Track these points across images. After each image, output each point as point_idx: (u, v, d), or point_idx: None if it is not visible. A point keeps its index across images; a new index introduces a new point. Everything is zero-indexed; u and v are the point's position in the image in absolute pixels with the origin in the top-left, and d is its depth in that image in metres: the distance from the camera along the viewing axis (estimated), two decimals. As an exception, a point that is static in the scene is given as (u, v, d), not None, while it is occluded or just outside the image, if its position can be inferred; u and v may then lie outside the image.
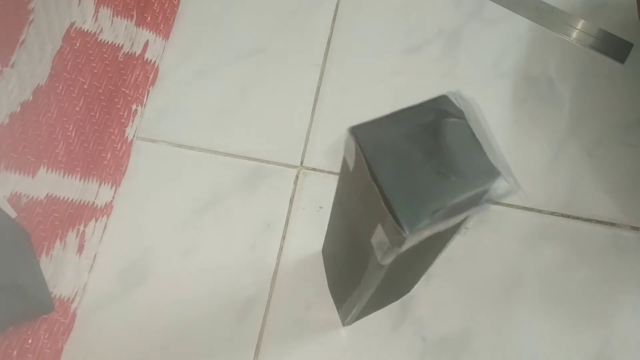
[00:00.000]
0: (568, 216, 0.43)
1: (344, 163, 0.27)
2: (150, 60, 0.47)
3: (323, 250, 0.41)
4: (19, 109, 0.44)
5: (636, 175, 0.44)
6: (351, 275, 0.33)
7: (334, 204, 0.33)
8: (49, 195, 0.42)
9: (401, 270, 0.30)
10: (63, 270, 0.40)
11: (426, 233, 0.23)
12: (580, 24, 0.49)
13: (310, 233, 0.42)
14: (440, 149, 0.24)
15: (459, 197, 0.23)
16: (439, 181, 0.24)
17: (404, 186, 0.24)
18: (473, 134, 0.25)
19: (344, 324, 0.39)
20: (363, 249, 0.28)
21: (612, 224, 0.43)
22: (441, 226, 0.24)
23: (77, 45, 0.46)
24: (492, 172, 0.24)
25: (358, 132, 0.25)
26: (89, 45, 0.46)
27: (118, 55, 0.46)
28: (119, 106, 0.45)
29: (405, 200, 0.23)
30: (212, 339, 0.39)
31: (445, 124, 0.25)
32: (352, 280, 0.32)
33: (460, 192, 0.24)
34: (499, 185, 0.24)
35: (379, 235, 0.25)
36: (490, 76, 0.47)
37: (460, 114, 0.25)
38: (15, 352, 0.37)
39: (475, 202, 0.24)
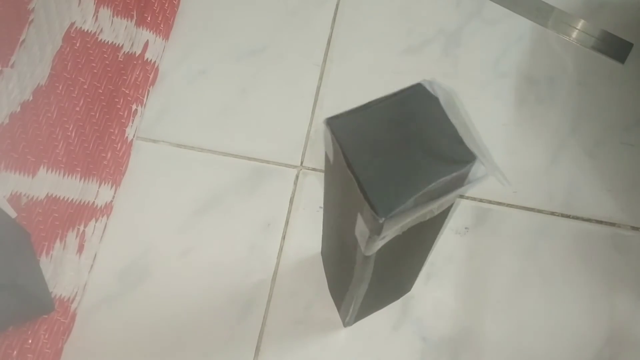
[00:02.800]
0: (568, 216, 0.43)
1: (326, 157, 0.27)
2: (150, 60, 0.47)
3: (322, 252, 0.41)
4: (19, 109, 0.44)
5: (636, 175, 0.44)
6: (344, 271, 0.33)
7: (324, 202, 0.33)
8: (49, 195, 0.42)
9: (392, 262, 0.30)
10: (63, 270, 0.40)
11: (406, 220, 0.24)
12: (580, 24, 0.49)
13: (310, 233, 0.42)
14: (416, 136, 0.25)
15: (435, 182, 0.24)
16: (416, 167, 0.24)
17: (380, 173, 0.24)
18: (449, 121, 0.25)
19: (344, 325, 0.39)
20: (350, 243, 0.28)
21: (612, 224, 0.43)
22: (422, 212, 0.24)
23: (77, 45, 0.46)
24: (468, 156, 0.24)
25: (334, 123, 0.25)
26: (89, 45, 0.46)
27: (118, 55, 0.46)
28: (119, 106, 0.45)
29: (382, 187, 0.23)
30: (212, 339, 0.39)
31: (420, 112, 0.25)
32: (346, 277, 0.32)
33: (436, 177, 0.24)
34: (476, 169, 0.24)
35: (360, 225, 0.25)
36: (490, 76, 0.47)
37: (436, 102, 0.25)
38: (15, 352, 0.37)
39: (453, 186, 0.24)
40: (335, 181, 0.27)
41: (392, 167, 0.24)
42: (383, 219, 0.23)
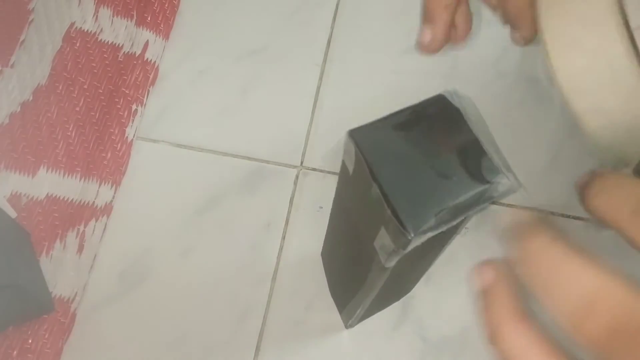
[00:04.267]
0: (568, 216, 0.43)
1: (343, 166, 0.27)
2: (150, 60, 0.47)
3: (322, 254, 0.41)
4: (19, 109, 0.44)
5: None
6: (354, 278, 0.32)
7: (334, 208, 0.33)
8: (49, 195, 0.42)
9: (404, 271, 0.30)
10: (63, 270, 0.40)
11: (432, 234, 0.23)
12: (580, 24, 0.49)
13: (310, 233, 0.42)
14: (440, 149, 0.24)
15: (462, 197, 0.23)
16: (441, 181, 0.24)
17: (405, 188, 0.23)
18: (472, 132, 0.25)
19: (347, 327, 0.39)
20: (365, 252, 0.28)
21: (612, 224, 0.43)
22: (445, 227, 0.24)
23: (77, 45, 0.46)
24: (493, 170, 0.24)
25: (357, 136, 0.24)
26: (89, 45, 0.46)
27: (118, 55, 0.46)
28: (119, 106, 0.45)
29: (408, 203, 0.23)
30: (212, 339, 0.39)
31: (443, 123, 0.25)
32: (355, 283, 0.32)
33: (463, 192, 0.23)
34: (501, 183, 0.24)
35: (382, 238, 0.25)
36: (490, 76, 0.47)
37: (458, 113, 0.25)
38: (15, 352, 0.37)
39: (477, 201, 0.24)
40: (353, 191, 0.27)
41: (417, 181, 0.24)
42: (412, 235, 0.23)
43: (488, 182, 0.24)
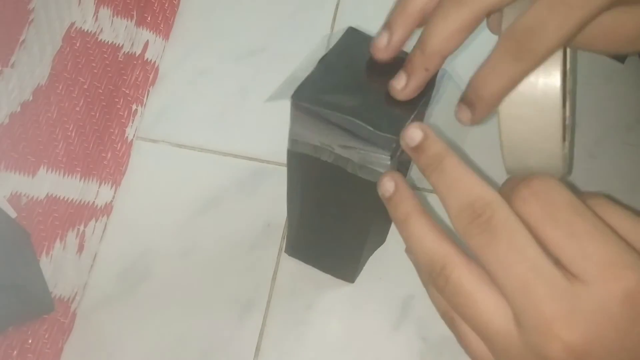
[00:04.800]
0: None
1: (293, 143, 0.29)
2: (150, 60, 0.47)
3: (290, 249, 0.41)
4: (19, 109, 0.44)
5: (636, 176, 0.44)
6: (351, 236, 0.35)
7: (293, 196, 0.34)
8: (49, 195, 0.42)
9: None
10: (63, 270, 0.40)
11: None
12: (580, 24, 0.49)
13: (310, 233, 0.42)
14: (376, 74, 0.28)
15: (415, 111, 0.27)
16: (390, 102, 0.27)
17: (371, 112, 0.27)
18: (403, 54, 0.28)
19: (353, 281, 0.40)
20: (355, 199, 0.30)
21: (612, 224, 0.43)
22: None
23: (77, 45, 0.46)
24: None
25: (300, 97, 0.27)
26: (89, 45, 0.46)
27: (118, 55, 0.46)
28: (119, 106, 0.45)
29: (379, 119, 0.26)
30: (212, 339, 0.39)
31: (365, 52, 0.28)
32: (358, 235, 0.35)
33: (417, 101, 0.27)
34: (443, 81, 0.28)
35: (368, 164, 0.28)
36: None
37: (370, 40, 0.28)
38: (15, 352, 0.37)
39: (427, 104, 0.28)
40: (322, 160, 0.29)
41: (374, 103, 0.27)
42: (395, 137, 0.25)
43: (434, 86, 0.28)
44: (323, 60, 0.28)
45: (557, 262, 0.21)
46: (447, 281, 0.23)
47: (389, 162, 0.27)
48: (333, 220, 0.35)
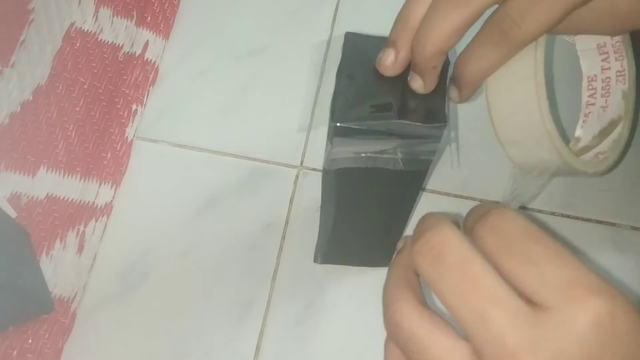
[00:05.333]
0: (568, 216, 0.43)
1: (330, 155, 0.28)
2: (150, 60, 0.47)
3: (322, 257, 0.40)
4: (19, 109, 0.44)
5: (636, 175, 0.44)
6: (397, 218, 0.35)
7: (328, 204, 0.34)
8: (49, 195, 0.42)
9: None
10: (63, 270, 0.40)
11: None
12: (580, 24, 0.49)
13: (310, 233, 0.42)
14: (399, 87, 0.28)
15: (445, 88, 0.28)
16: (417, 94, 0.28)
17: (406, 109, 0.27)
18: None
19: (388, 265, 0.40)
20: (402, 188, 0.31)
21: (612, 224, 0.43)
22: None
23: (77, 45, 0.46)
24: (440, 119, 0.27)
25: (342, 120, 0.26)
26: (89, 45, 0.46)
27: (118, 55, 0.46)
28: (119, 106, 0.45)
29: (418, 112, 0.27)
30: (212, 339, 0.39)
31: (374, 50, 0.28)
32: (401, 221, 0.35)
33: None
34: (435, 129, 0.27)
35: (421, 152, 0.28)
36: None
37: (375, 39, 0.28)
38: (15, 352, 0.37)
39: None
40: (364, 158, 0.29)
41: (405, 99, 0.27)
42: (443, 124, 0.27)
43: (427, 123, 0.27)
44: (340, 74, 0.28)
45: (521, 294, 0.20)
46: (398, 328, 0.22)
47: (436, 148, 0.28)
48: (371, 216, 0.35)
